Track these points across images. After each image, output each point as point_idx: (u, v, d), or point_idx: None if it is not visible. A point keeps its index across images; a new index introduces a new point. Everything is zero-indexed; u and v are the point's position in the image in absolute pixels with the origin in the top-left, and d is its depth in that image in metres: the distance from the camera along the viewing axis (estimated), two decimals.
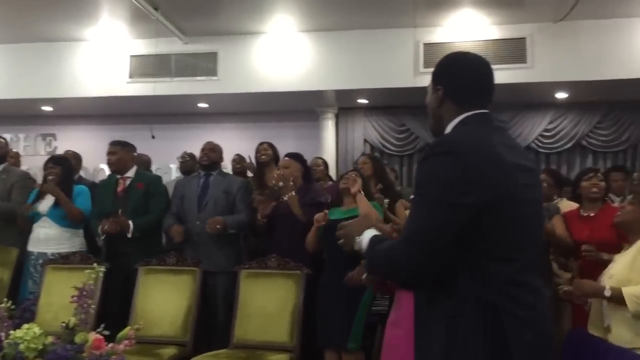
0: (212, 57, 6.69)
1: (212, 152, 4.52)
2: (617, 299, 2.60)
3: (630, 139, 7.09)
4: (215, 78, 6.69)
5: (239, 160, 5.57)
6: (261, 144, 4.99)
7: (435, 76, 1.73)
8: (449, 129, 1.67)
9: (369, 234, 1.68)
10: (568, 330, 3.33)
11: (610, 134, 7.13)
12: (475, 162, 1.49)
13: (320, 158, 6.07)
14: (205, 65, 6.69)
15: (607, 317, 2.71)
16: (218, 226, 4.12)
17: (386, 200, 4.13)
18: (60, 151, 6.97)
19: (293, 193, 4.03)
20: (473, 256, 1.50)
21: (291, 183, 4.06)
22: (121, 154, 4.42)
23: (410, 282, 1.66)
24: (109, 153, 4.42)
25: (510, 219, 1.52)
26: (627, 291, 2.59)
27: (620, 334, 2.64)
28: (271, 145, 4.95)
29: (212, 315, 4.19)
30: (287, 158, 4.35)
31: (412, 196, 1.70)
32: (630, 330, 2.61)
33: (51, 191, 4.28)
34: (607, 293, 2.64)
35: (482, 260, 1.50)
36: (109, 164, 4.46)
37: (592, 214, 3.62)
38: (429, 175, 1.54)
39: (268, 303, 3.88)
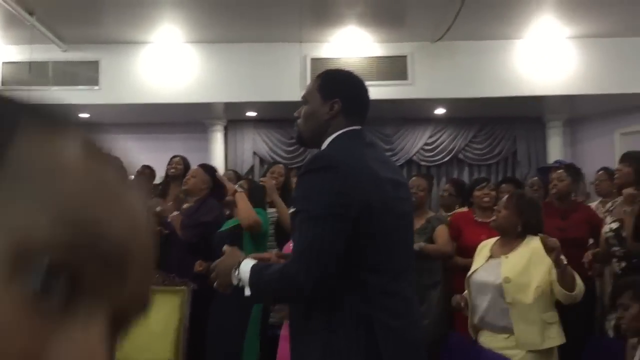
0: (94, 65, 6.42)
1: None
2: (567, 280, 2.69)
3: (502, 152, 7.62)
4: (96, 87, 6.42)
5: (142, 171, 5.41)
6: (174, 157, 4.93)
7: (331, 89, 1.74)
8: (326, 143, 1.71)
9: (247, 263, 1.61)
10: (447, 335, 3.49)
11: (484, 148, 7.61)
12: (352, 176, 1.54)
13: (232, 170, 6.02)
14: (86, 74, 6.41)
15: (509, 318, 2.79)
16: None
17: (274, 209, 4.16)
18: None
19: (176, 213, 3.98)
20: (348, 268, 1.53)
21: (170, 203, 4.03)
22: None
23: (309, 300, 1.58)
24: None
25: (383, 232, 1.58)
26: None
27: (526, 336, 2.75)
28: (184, 159, 4.88)
29: None
30: (197, 167, 4.29)
31: (291, 210, 1.69)
32: (538, 332, 2.74)
33: None
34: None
35: (356, 271, 1.55)
36: None
37: (487, 220, 3.83)
38: (312, 190, 1.56)
39: (151, 321, 3.75)
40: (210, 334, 3.63)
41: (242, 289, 1.61)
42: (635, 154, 3.50)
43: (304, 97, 1.80)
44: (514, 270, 2.81)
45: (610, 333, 3.22)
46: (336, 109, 1.71)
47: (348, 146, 1.67)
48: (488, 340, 2.87)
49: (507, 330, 2.80)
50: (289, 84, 6.34)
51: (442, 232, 3.96)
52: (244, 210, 3.57)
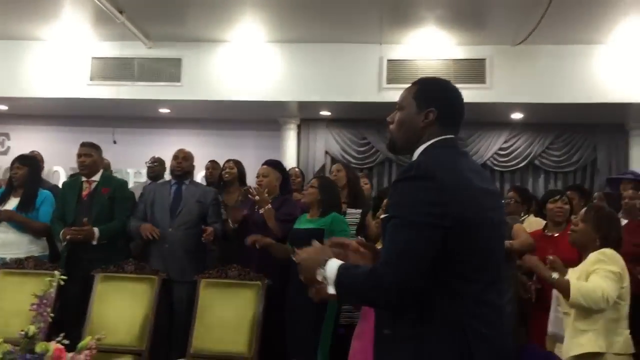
0: (176, 62, 6.65)
1: (185, 161, 4.50)
2: (562, 287, 2.74)
3: (580, 160, 7.37)
4: (178, 84, 6.65)
5: (211, 167, 5.57)
6: (227, 161, 4.99)
7: (427, 98, 1.74)
8: (419, 150, 1.73)
9: (334, 262, 1.64)
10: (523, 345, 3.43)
11: (561, 155, 7.39)
12: (449, 186, 1.55)
13: (298, 168, 6.10)
14: (169, 70, 6.64)
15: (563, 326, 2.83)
16: (211, 238, 4.16)
17: (357, 210, 4.18)
18: (14, 152, 6.79)
19: (269, 206, 4.01)
20: (441, 276, 1.54)
21: (266, 195, 4.04)
22: (95, 157, 4.34)
23: (393, 305, 1.59)
24: (84, 155, 4.29)
25: (478, 241, 1.58)
26: (574, 283, 2.71)
27: (566, 344, 2.76)
28: (237, 163, 4.95)
29: (177, 325, 4.16)
30: (265, 166, 4.28)
31: (383, 215, 1.71)
32: (569, 339, 2.75)
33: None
34: (555, 275, 2.79)
35: (450, 280, 1.56)
36: (83, 166, 4.29)
37: (556, 234, 3.74)
38: (407, 198, 1.57)
39: (227, 313, 3.87)
40: (288, 328, 3.71)
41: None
42: None
43: (399, 103, 1.81)
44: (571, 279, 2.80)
45: None
46: (431, 118, 1.72)
47: (443, 155, 1.67)
48: (558, 351, 2.85)
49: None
50: (365, 85, 6.37)
51: (519, 228, 3.90)
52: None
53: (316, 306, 3.50)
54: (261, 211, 4.00)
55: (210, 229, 4.18)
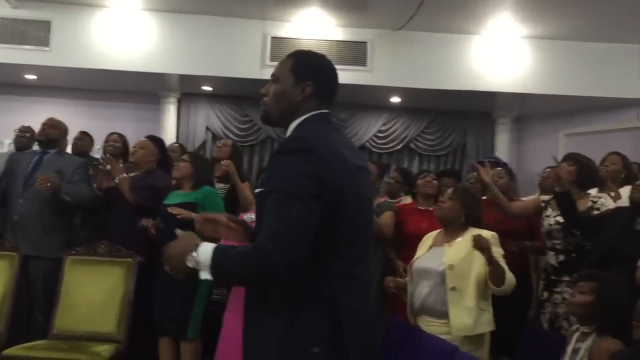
0: (45, 25, 6.16)
1: (52, 129, 4.21)
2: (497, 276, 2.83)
3: (451, 145, 7.78)
4: (47, 49, 6.18)
5: (81, 137, 5.25)
6: (111, 134, 4.78)
7: (304, 72, 1.73)
8: (294, 124, 1.72)
9: (207, 246, 1.55)
10: (389, 319, 3.58)
11: (435, 139, 7.74)
12: (328, 160, 1.56)
13: (178, 143, 5.93)
14: (36, 33, 6.15)
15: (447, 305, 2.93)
16: (48, 184, 3.80)
17: (225, 185, 4.16)
18: None
19: (123, 175, 3.89)
20: (313, 250, 1.54)
21: (121, 165, 3.94)
22: None
23: (283, 281, 1.53)
24: None
25: (350, 216, 1.61)
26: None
27: (460, 321, 2.88)
28: (121, 137, 4.74)
29: (36, 304, 3.91)
30: (145, 139, 4.20)
31: (258, 190, 1.67)
32: (472, 318, 2.87)
33: None
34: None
35: (322, 254, 1.56)
36: None
37: (430, 208, 3.98)
38: (287, 171, 1.55)
39: (95, 292, 3.72)
40: (156, 307, 3.61)
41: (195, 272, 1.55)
42: (578, 155, 3.66)
43: (274, 75, 1.79)
44: (456, 258, 2.94)
45: (545, 325, 3.37)
46: (308, 92, 1.71)
47: (319, 130, 1.68)
48: (426, 325, 2.99)
49: (445, 316, 2.92)
50: (248, 61, 6.29)
51: (387, 216, 4.14)
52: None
53: (187, 281, 3.44)
54: (116, 180, 3.89)
55: (51, 175, 3.85)
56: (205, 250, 1.54)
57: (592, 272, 2.73)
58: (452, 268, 2.92)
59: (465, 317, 2.88)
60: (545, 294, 3.43)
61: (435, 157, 7.81)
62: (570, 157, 3.59)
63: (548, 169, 4.47)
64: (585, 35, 6.32)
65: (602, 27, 6.09)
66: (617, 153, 4.11)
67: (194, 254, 1.54)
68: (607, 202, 3.43)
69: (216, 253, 1.53)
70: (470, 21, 6.19)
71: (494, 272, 2.79)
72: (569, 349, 2.66)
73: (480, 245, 2.74)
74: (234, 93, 7.18)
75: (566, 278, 3.34)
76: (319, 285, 1.56)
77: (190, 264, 1.55)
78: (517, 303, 3.63)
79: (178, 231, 1.71)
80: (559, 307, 3.35)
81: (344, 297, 1.57)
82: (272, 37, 6.32)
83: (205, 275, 1.53)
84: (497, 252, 2.92)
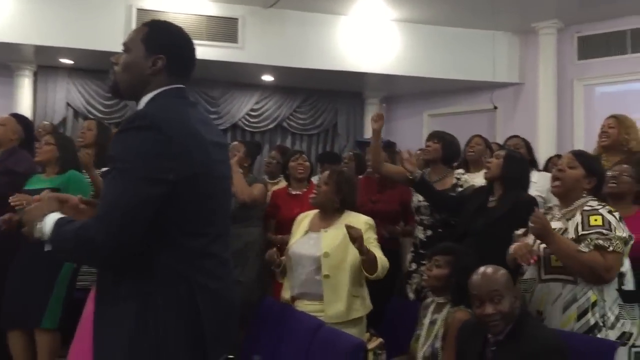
0: None
1: None
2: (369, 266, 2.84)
3: (323, 124, 7.90)
4: None
5: None
6: None
7: (157, 44, 1.64)
8: (146, 98, 1.63)
9: (52, 217, 1.50)
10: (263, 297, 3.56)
11: (307, 119, 7.83)
12: (177, 138, 1.49)
13: (49, 122, 5.54)
14: None
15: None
16: None
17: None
18: None
19: None
20: (166, 231, 1.49)
21: None
22: None
23: (108, 263, 1.51)
24: None
25: (205, 195, 1.55)
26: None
27: (334, 309, 2.88)
28: None
29: None
30: (8, 116, 3.85)
31: (104, 169, 1.58)
32: (345, 305, 2.88)
33: None
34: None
35: (175, 234, 1.51)
36: None
37: (300, 192, 3.92)
38: (130, 149, 1.47)
39: None
40: (11, 289, 3.32)
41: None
42: (442, 132, 3.82)
43: (125, 44, 1.67)
44: (332, 246, 2.94)
45: (411, 296, 3.52)
46: (159, 66, 1.62)
47: (171, 105, 1.59)
48: (304, 307, 2.97)
49: (322, 298, 2.93)
50: (111, 33, 5.92)
51: (256, 186, 3.99)
52: (240, 185, 3.61)
53: (49, 269, 3.21)
54: None
55: None
56: (49, 222, 1.49)
57: (447, 246, 2.88)
58: (327, 256, 2.92)
59: (339, 304, 2.89)
60: (414, 266, 3.58)
61: (307, 136, 7.90)
62: (435, 135, 3.74)
63: (419, 151, 4.62)
64: (448, 20, 6.65)
65: (462, 13, 6.44)
66: (479, 136, 4.35)
67: (39, 224, 1.50)
68: (470, 179, 3.64)
69: (56, 226, 1.48)
70: (341, 2, 6.29)
71: (367, 262, 2.83)
72: (426, 321, 2.80)
73: (352, 238, 2.76)
74: (97, 67, 6.75)
75: None
76: (173, 266, 1.50)
77: (37, 234, 1.51)
78: (386, 279, 3.77)
79: (45, 192, 1.64)
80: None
81: (201, 277, 1.53)
82: (138, 9, 6.02)
83: (48, 247, 1.50)
84: (372, 237, 2.97)
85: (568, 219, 2.49)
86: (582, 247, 2.35)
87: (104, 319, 1.54)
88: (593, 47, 6.55)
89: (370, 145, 3.70)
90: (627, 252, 2.42)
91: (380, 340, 2.98)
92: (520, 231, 2.66)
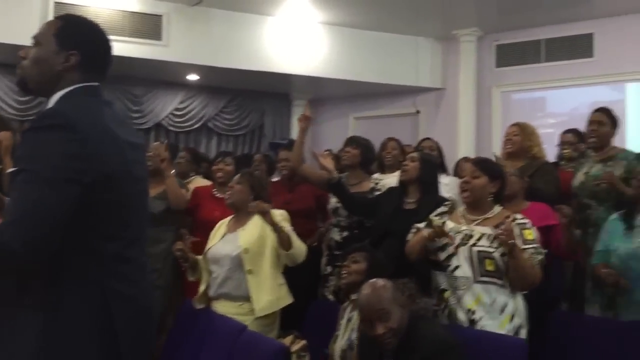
0: None
1: None
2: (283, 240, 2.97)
3: (249, 125, 7.86)
4: None
5: None
6: None
7: (70, 39, 1.57)
8: (57, 96, 1.56)
9: None
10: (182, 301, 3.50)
11: (233, 119, 7.76)
12: (92, 138, 1.43)
13: None
14: None
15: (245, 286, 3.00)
16: None
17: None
18: None
19: None
20: (78, 234, 1.43)
21: None
22: None
23: (18, 270, 1.40)
24: None
25: (120, 197, 1.50)
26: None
27: (263, 301, 2.94)
28: None
29: None
30: None
31: (10, 169, 1.49)
32: (273, 295, 2.97)
33: None
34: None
35: (88, 237, 1.45)
36: None
37: (223, 196, 3.85)
38: (42, 150, 1.39)
39: None
40: None
41: None
42: (359, 137, 3.91)
43: (35, 38, 1.59)
44: (250, 241, 3.01)
45: (330, 297, 3.55)
46: (72, 62, 1.55)
47: (85, 104, 1.53)
48: (223, 308, 2.99)
49: (243, 298, 2.95)
50: (26, 27, 5.56)
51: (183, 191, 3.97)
52: (175, 190, 3.69)
53: None
54: None
55: None
56: None
57: (362, 245, 3.00)
58: (247, 252, 2.97)
59: (267, 295, 2.96)
60: (329, 269, 3.62)
61: (233, 137, 7.83)
62: (354, 141, 3.81)
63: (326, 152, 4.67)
64: (374, 25, 6.76)
65: (388, 18, 6.56)
66: (394, 139, 4.44)
67: None
68: (388, 183, 3.71)
69: None
70: (268, 3, 6.26)
71: (280, 238, 2.94)
72: (343, 321, 2.85)
73: (259, 210, 2.89)
74: (10, 61, 6.41)
75: None
76: (85, 272, 1.44)
77: None
78: (306, 278, 3.80)
79: None
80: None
81: (115, 283, 1.47)
82: (56, 2, 5.76)
83: None
84: (286, 227, 3.06)
85: (494, 227, 2.58)
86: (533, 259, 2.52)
87: (7, 328, 1.43)
88: (510, 56, 6.84)
89: (295, 145, 3.75)
90: None
91: (303, 342, 3.00)
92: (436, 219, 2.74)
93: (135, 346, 1.51)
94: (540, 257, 2.53)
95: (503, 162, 3.44)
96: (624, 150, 3.58)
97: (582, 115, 3.91)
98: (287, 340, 2.96)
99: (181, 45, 6.24)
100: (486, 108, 6.94)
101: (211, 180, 4.26)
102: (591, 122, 3.56)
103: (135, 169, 1.58)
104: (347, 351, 2.74)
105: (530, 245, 2.52)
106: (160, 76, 6.94)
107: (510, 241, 2.43)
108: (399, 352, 2.29)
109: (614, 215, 3.07)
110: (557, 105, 6.82)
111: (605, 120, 3.52)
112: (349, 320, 2.82)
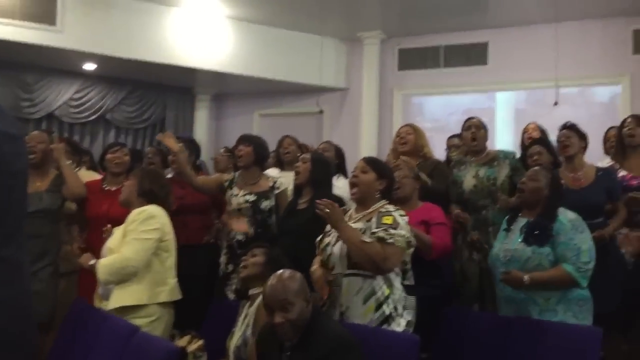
0: None
1: None
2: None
3: (150, 118, 7.62)
4: None
5: None
6: None
7: None
8: None
9: None
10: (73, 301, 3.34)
11: (133, 112, 7.49)
12: None
13: None
14: None
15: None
16: None
17: None
18: None
19: None
20: None
21: None
22: None
23: None
24: None
25: None
26: (100, 263, 2.83)
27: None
28: None
29: None
30: None
31: None
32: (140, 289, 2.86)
33: None
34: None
35: None
36: None
37: (113, 188, 3.66)
38: None
39: None
40: None
41: None
42: (250, 135, 3.90)
43: None
44: (115, 241, 2.95)
45: (231, 296, 3.50)
46: None
47: None
48: (104, 306, 2.91)
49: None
50: None
51: None
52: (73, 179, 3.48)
53: None
54: None
55: None
56: None
57: (262, 243, 3.04)
58: (111, 252, 2.91)
59: (114, 291, 2.89)
60: (230, 267, 3.56)
61: (133, 131, 7.57)
62: (245, 139, 3.79)
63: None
64: (280, 22, 6.76)
65: (294, 16, 6.58)
66: (289, 136, 4.48)
67: None
68: (286, 181, 3.71)
69: None
70: None
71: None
72: (240, 318, 2.84)
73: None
74: None
75: None
76: None
77: None
78: (204, 276, 3.73)
79: None
80: None
81: None
82: None
83: None
84: (136, 229, 2.95)
85: (367, 221, 2.65)
86: (366, 238, 2.55)
87: None
88: (411, 60, 7.06)
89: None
90: (410, 253, 2.67)
91: (200, 342, 2.94)
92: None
93: (12, 353, 1.40)
94: (381, 234, 2.52)
95: (405, 161, 3.54)
96: (500, 151, 3.84)
97: (457, 120, 4.12)
98: (184, 341, 2.89)
99: (77, 32, 5.93)
100: (388, 110, 7.12)
101: (97, 172, 4.09)
102: (469, 126, 3.79)
103: (14, 162, 1.46)
104: (241, 347, 2.73)
105: (380, 228, 2.55)
106: (54, 63, 6.57)
107: (325, 211, 2.52)
108: (298, 346, 2.29)
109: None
110: (434, 111, 7.17)
111: (482, 125, 3.80)
112: (246, 316, 2.80)
